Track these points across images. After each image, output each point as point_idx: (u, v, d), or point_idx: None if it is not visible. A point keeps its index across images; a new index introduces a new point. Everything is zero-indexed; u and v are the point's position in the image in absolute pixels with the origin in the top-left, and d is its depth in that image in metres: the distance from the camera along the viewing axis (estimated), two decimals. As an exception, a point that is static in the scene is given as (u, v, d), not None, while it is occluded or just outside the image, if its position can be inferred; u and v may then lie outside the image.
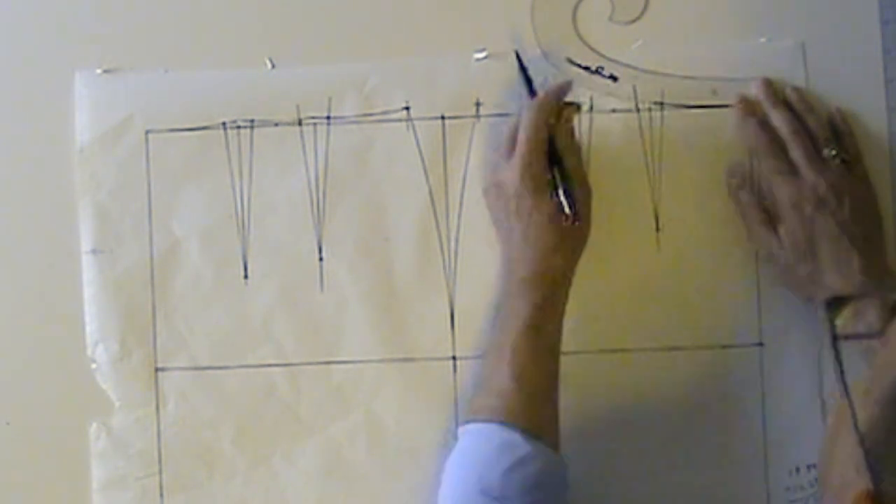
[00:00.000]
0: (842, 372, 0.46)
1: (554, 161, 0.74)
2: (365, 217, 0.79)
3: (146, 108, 0.80)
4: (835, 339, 0.49)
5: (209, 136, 0.80)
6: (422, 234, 0.79)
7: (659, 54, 0.79)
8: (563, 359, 0.76)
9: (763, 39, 0.79)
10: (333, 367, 0.79)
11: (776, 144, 0.76)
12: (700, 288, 0.78)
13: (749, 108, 0.78)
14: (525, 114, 0.74)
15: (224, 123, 0.79)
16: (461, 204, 0.79)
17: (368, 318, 0.79)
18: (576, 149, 0.76)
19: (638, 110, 0.79)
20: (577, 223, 0.73)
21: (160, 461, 0.78)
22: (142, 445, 0.78)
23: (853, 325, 0.54)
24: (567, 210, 0.73)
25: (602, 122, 0.79)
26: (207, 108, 0.79)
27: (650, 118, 0.79)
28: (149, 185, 0.80)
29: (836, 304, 0.51)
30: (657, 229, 0.79)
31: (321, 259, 0.79)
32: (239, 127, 0.79)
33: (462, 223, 0.79)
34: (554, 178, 0.74)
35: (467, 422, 0.72)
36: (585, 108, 0.78)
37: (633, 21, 0.79)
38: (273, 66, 0.80)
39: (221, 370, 0.79)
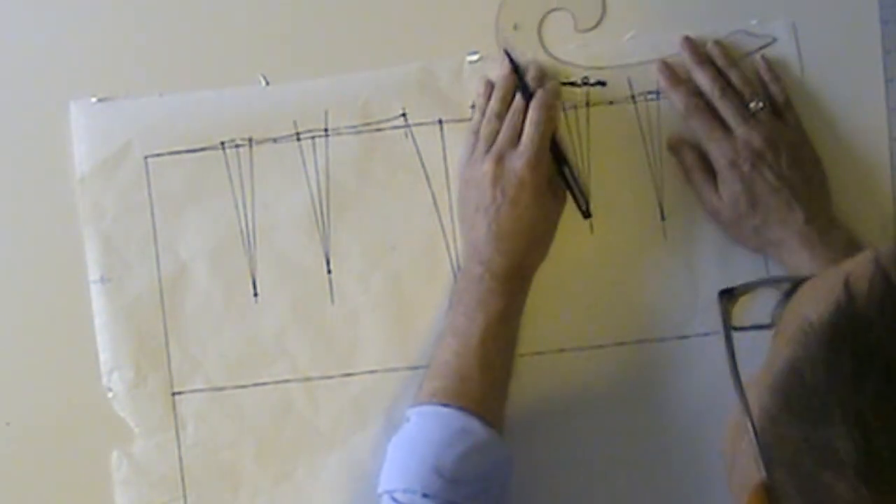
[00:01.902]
0: (734, 365, 0.46)
1: (561, 159, 0.77)
2: (370, 227, 0.79)
3: (143, 134, 0.80)
4: (728, 331, 0.49)
5: (208, 157, 0.79)
6: (428, 239, 0.79)
7: (653, 43, 0.79)
8: (576, 353, 0.77)
9: (754, 21, 0.79)
10: (350, 378, 0.79)
11: (704, 105, 0.77)
12: (709, 273, 0.79)
13: (673, 77, 0.78)
14: (533, 110, 0.75)
15: (222, 143, 0.79)
16: (465, 207, 0.79)
17: (381, 328, 0.79)
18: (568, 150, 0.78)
19: (634, 102, 0.79)
20: (588, 217, 0.77)
21: (184, 485, 0.78)
22: (164, 470, 0.78)
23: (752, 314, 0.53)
24: (583, 207, 0.77)
25: (600, 115, 0.79)
26: (204, 128, 0.79)
27: (647, 108, 0.79)
28: (151, 209, 0.79)
29: (731, 294, 0.51)
30: (662, 218, 0.79)
31: (329, 271, 0.79)
32: (237, 145, 0.79)
33: (467, 226, 0.79)
34: (564, 175, 0.77)
35: (422, 403, 0.72)
36: (582, 102, 0.79)
37: (596, 26, 0.79)
38: (267, 83, 0.80)
39: (238, 389, 0.79)
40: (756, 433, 0.44)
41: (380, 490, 0.70)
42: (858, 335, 0.40)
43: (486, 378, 0.72)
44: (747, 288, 0.52)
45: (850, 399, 0.39)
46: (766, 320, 0.50)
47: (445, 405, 0.71)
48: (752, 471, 0.44)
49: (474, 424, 0.70)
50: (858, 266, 0.42)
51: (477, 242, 0.75)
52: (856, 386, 0.39)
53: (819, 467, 0.40)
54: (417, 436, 0.71)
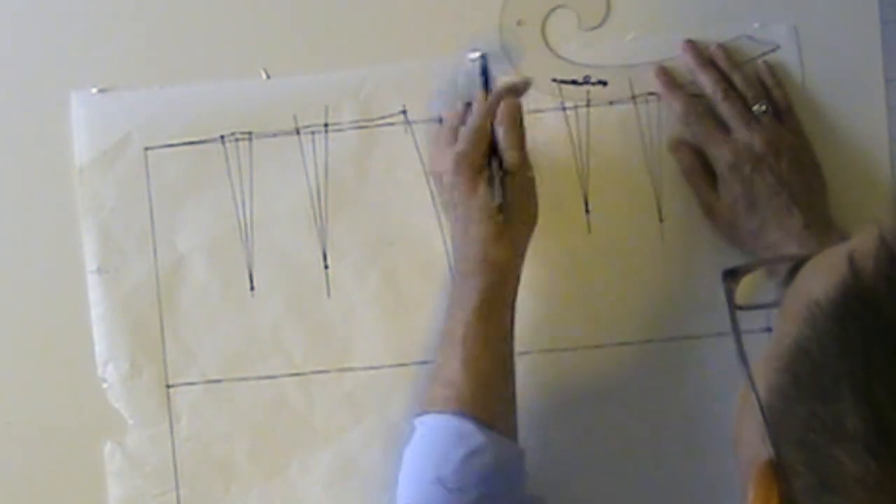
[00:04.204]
0: (740, 343, 0.47)
1: (493, 153, 0.73)
2: (368, 222, 0.79)
3: (143, 125, 0.80)
4: (732, 309, 0.49)
5: (208, 150, 0.79)
6: (425, 235, 0.79)
7: (655, 44, 0.79)
8: (582, 353, 0.77)
9: (756, 24, 0.79)
10: (345, 374, 0.79)
11: (705, 107, 0.76)
12: (706, 276, 0.78)
13: (670, 81, 0.78)
14: (475, 107, 0.74)
15: (222, 136, 0.79)
16: (463, 204, 0.79)
17: (377, 324, 0.79)
18: (519, 140, 0.73)
19: (635, 102, 0.79)
20: (501, 215, 0.71)
21: (176, 478, 0.78)
22: (157, 463, 0.78)
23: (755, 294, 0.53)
24: (496, 200, 0.71)
25: (600, 115, 0.79)
26: (204, 121, 0.79)
27: (647, 108, 0.79)
28: (150, 201, 0.79)
29: (734, 273, 0.51)
30: (660, 220, 0.79)
31: (326, 266, 0.79)
32: (237, 139, 0.79)
33: (465, 223, 0.79)
34: (490, 168, 0.73)
35: (421, 413, 0.71)
36: (582, 101, 0.79)
37: (600, 25, 0.79)
38: (268, 77, 0.80)
39: (233, 383, 0.79)
40: (763, 411, 0.44)
41: None
42: (867, 311, 0.40)
43: (471, 378, 0.70)
44: (750, 267, 0.52)
45: (859, 374, 0.39)
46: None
47: (440, 412, 0.70)
48: (758, 449, 0.44)
49: (468, 428, 0.68)
50: (862, 243, 0.42)
51: (452, 239, 0.76)
52: (865, 361, 0.39)
53: (828, 443, 0.40)
54: (417, 447, 0.70)
